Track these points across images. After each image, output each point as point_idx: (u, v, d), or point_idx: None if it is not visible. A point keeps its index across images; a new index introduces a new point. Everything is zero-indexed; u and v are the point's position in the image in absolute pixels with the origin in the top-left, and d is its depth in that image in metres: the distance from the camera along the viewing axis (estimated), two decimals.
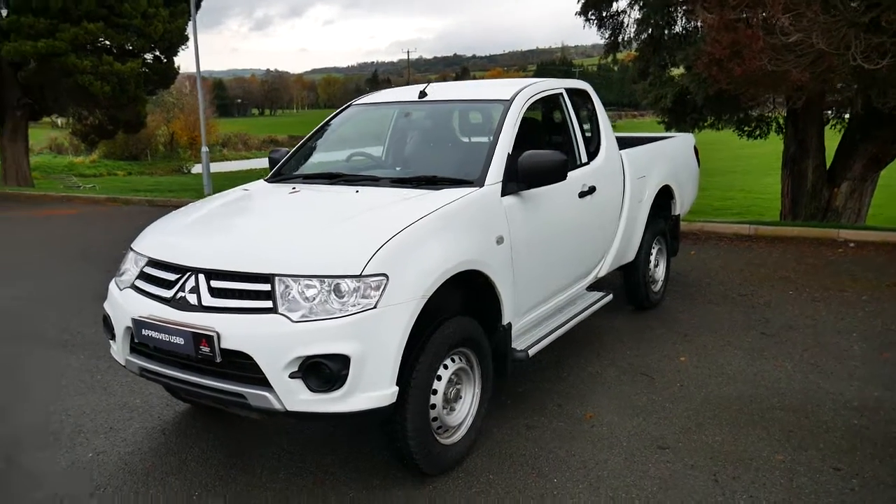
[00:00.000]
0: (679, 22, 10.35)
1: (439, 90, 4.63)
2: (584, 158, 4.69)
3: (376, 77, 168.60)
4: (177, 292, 3.21)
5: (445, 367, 3.35)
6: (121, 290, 3.52)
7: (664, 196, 6.01)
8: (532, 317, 4.14)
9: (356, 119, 4.81)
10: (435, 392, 3.29)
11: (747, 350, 4.93)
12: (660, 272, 6.00)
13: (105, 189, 20.31)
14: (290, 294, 2.99)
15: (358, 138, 4.72)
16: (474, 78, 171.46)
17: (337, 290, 2.97)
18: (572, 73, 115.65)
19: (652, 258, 5.79)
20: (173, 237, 3.58)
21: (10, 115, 18.72)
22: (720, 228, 8.96)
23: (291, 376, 2.92)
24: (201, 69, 19.32)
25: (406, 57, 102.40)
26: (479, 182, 3.72)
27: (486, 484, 3.33)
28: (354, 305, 2.95)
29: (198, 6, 19.34)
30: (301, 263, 3.03)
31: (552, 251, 4.18)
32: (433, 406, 3.29)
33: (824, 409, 4.00)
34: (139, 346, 3.35)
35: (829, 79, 7.62)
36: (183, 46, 20.07)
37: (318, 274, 2.98)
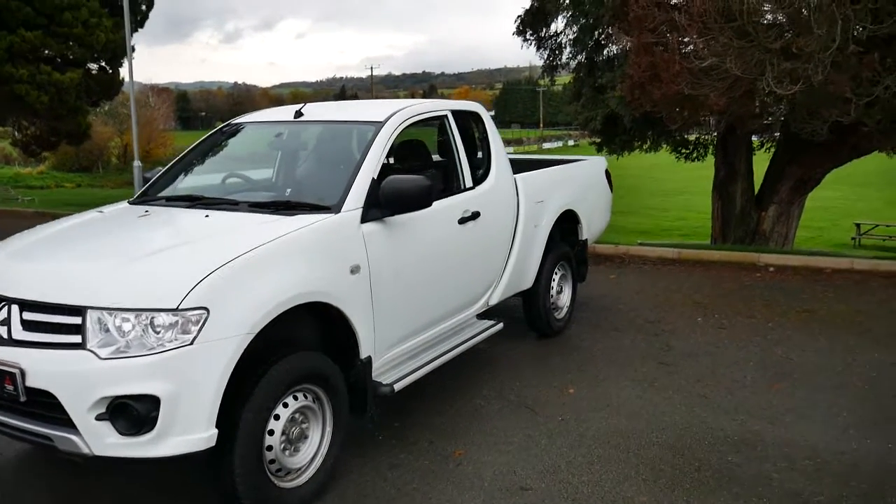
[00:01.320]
0: (610, 45, 10.35)
1: (316, 110, 4.45)
2: (469, 183, 4.54)
3: (344, 92, 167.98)
4: None
5: (286, 405, 3.15)
6: None
7: (569, 221, 5.91)
8: (403, 348, 3.96)
9: (234, 139, 4.60)
10: (272, 433, 3.08)
11: (640, 381, 4.81)
12: (564, 299, 5.86)
13: (44, 202, 19.73)
14: (105, 328, 2.77)
15: (231, 159, 4.51)
16: (441, 95, 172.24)
17: (153, 325, 2.76)
18: (537, 93, 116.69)
19: (554, 284, 5.65)
20: (6, 260, 3.33)
21: None
22: (645, 252, 8.91)
23: (98, 418, 2.71)
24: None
25: (373, 73, 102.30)
26: (336, 208, 3.54)
27: None
28: (171, 342, 2.74)
29: (140, 20, 19.05)
30: (114, 296, 2.81)
31: (425, 280, 4.01)
32: (269, 447, 3.08)
33: (702, 445, 3.87)
34: None
35: (746, 104, 7.61)
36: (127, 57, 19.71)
37: (131, 307, 2.77)
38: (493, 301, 4.90)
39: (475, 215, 4.44)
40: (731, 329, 5.92)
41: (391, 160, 4.63)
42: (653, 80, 7.67)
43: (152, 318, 2.76)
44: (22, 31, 16.04)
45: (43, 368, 2.76)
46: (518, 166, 5.58)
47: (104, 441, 2.71)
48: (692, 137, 12.62)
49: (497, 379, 4.87)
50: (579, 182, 6.02)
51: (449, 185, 4.52)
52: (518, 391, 4.65)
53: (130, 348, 2.73)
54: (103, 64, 19.34)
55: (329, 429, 3.39)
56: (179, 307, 2.76)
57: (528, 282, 5.29)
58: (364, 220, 3.59)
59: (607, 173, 6.55)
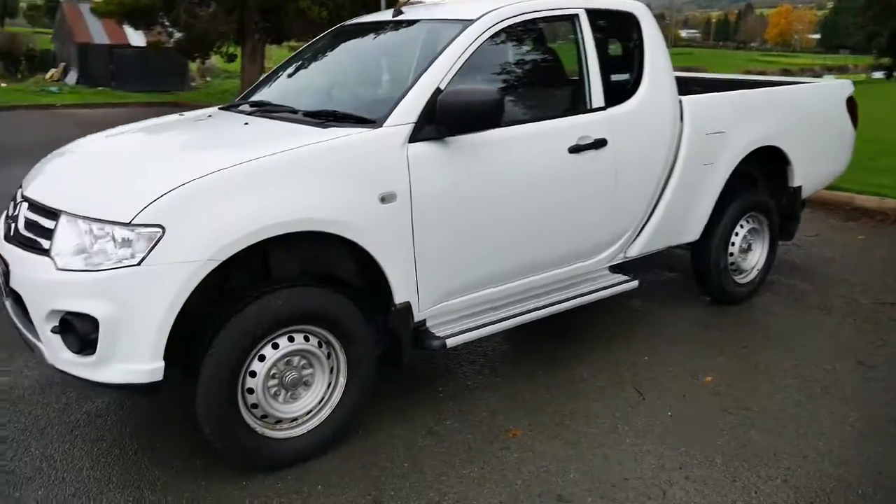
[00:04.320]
0: None
1: (417, 9, 3.78)
2: (598, 102, 3.57)
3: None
4: (7, 219, 2.95)
5: (276, 346, 2.72)
6: None
7: (776, 161, 4.58)
8: (472, 298, 3.28)
9: (333, 43, 4.12)
10: (253, 374, 2.69)
11: (812, 382, 3.57)
12: (751, 259, 4.60)
13: None
14: (73, 236, 2.55)
15: (325, 64, 4.03)
16: (760, 15, 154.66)
17: (113, 239, 2.47)
18: None
19: (737, 239, 4.43)
20: (45, 162, 3.30)
21: (250, 37, 20.34)
22: None
23: (53, 331, 2.52)
24: None
25: None
26: (379, 122, 2.93)
27: (301, 498, 2.68)
28: (120, 260, 2.44)
29: None
30: (81, 202, 2.59)
31: (506, 219, 3.24)
32: (250, 390, 2.70)
33: (839, 495, 2.71)
34: None
35: None
36: None
37: (91, 216, 2.52)
38: (633, 253, 3.95)
39: (598, 143, 3.50)
40: None
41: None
42: None
43: (111, 231, 2.47)
44: None
45: (17, 269, 2.66)
46: (710, 87, 4.43)
47: (59, 355, 2.54)
48: None
49: (626, 347, 3.96)
50: (793, 111, 4.58)
51: (572, 103, 3.62)
52: (639, 368, 3.73)
53: (84, 262, 2.48)
54: None
55: (342, 379, 2.91)
56: (132, 222, 2.43)
57: (691, 233, 4.20)
58: (414, 138, 2.94)
59: (850, 102, 4.95)
